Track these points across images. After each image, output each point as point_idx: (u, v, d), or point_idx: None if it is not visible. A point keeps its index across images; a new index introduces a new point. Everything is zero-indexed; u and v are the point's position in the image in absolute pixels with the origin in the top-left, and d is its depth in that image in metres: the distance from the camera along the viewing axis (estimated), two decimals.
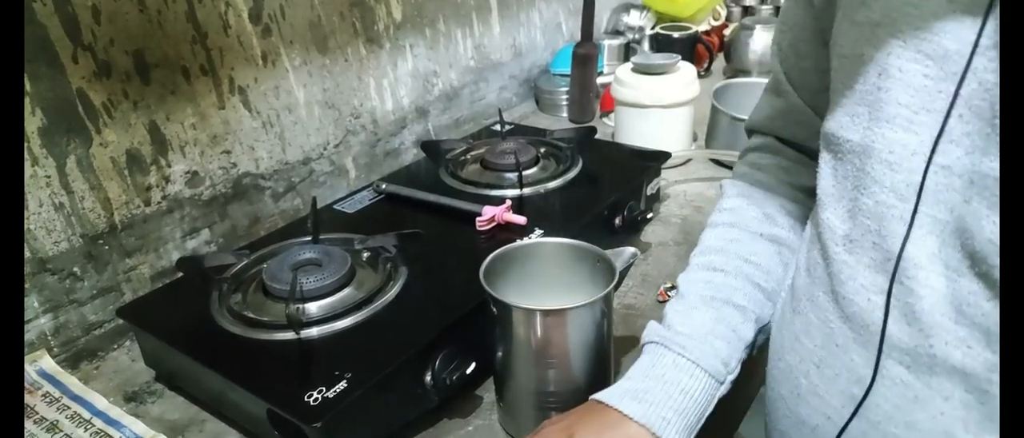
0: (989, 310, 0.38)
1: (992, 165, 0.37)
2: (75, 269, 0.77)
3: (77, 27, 0.72)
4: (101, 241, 0.79)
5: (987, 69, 0.37)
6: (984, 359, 0.39)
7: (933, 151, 0.39)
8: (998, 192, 0.36)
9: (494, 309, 0.59)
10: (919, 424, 0.42)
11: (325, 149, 1.03)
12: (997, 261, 0.37)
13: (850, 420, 0.45)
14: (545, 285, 0.65)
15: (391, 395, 0.61)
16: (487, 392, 0.68)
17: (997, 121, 0.36)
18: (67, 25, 0.72)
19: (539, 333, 0.58)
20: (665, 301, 0.81)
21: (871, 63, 0.42)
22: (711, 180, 1.09)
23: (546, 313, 0.57)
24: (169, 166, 0.84)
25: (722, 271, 0.58)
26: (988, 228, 0.37)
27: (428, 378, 0.63)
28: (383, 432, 0.62)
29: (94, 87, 0.75)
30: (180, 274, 0.77)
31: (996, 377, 0.38)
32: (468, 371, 0.64)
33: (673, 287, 0.83)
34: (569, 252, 0.64)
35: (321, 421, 0.55)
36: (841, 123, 0.45)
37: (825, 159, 0.48)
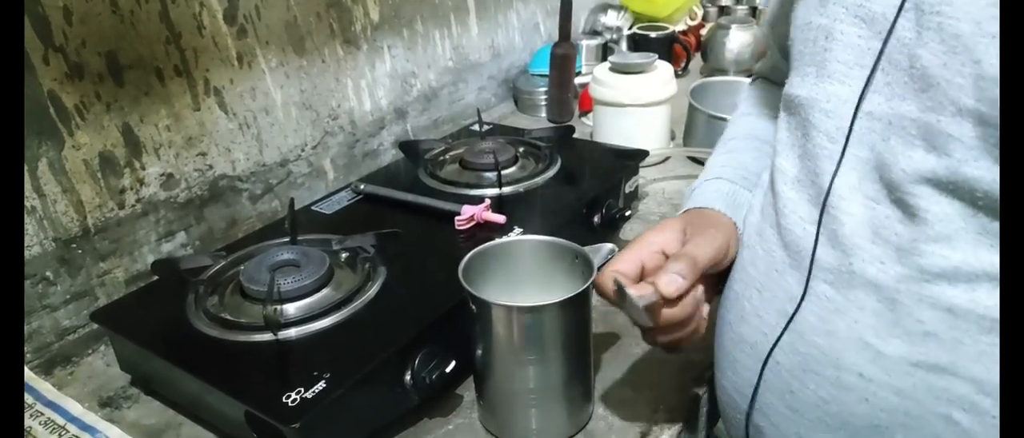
0: (901, 231, 0.44)
1: (908, 108, 0.43)
2: (48, 273, 0.76)
3: (48, 28, 0.71)
4: (74, 245, 0.78)
5: (906, 28, 0.43)
6: (895, 273, 0.45)
7: (860, 99, 0.46)
8: (913, 131, 0.43)
9: (473, 307, 0.59)
10: (837, 332, 0.47)
11: (303, 150, 1.02)
12: (910, 189, 0.43)
13: (782, 334, 0.51)
14: (524, 283, 0.65)
15: (371, 395, 0.61)
16: (467, 390, 0.68)
17: (914, 70, 0.43)
18: (38, 26, 0.71)
19: (518, 330, 0.58)
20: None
21: (820, 29, 0.49)
22: (689, 178, 1.10)
23: (525, 310, 0.57)
24: (143, 168, 0.83)
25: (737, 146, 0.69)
26: (903, 161, 0.43)
27: (408, 377, 0.63)
28: (363, 432, 0.62)
29: (66, 89, 0.74)
30: (155, 277, 0.76)
31: (904, 287, 0.44)
32: (448, 370, 0.64)
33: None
34: (548, 250, 0.64)
35: (300, 422, 0.54)
36: (794, 83, 0.52)
37: (782, 117, 0.55)
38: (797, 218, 0.51)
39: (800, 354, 0.50)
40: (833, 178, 0.48)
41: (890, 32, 0.44)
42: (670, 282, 0.51)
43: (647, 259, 0.55)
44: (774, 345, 0.51)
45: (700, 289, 0.56)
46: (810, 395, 0.49)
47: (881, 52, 0.45)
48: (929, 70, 0.42)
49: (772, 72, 0.73)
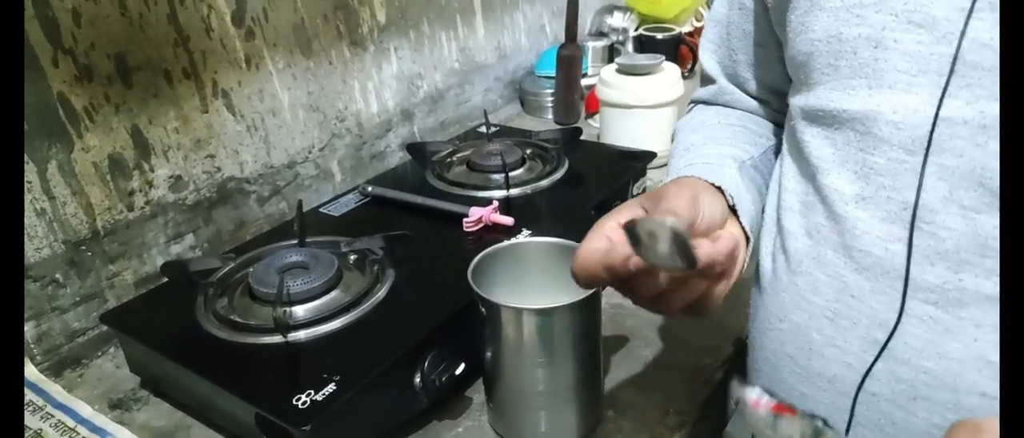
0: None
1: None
2: (57, 276, 0.76)
3: (57, 30, 0.72)
4: (84, 247, 0.78)
5: (981, 29, 0.41)
6: None
7: (939, 107, 0.44)
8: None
9: (483, 309, 0.59)
10: (952, 353, 0.45)
11: (310, 152, 1.02)
12: None
13: (874, 362, 0.48)
14: (533, 285, 0.65)
15: (380, 397, 0.61)
16: (477, 393, 0.68)
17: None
18: (47, 28, 0.71)
19: (528, 333, 0.58)
20: None
21: (862, 39, 0.47)
22: None
23: (535, 312, 0.57)
24: (152, 171, 0.83)
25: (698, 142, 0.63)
26: None
27: (417, 379, 0.63)
28: (372, 434, 0.62)
29: (75, 91, 0.74)
30: (164, 279, 0.77)
31: None
32: (457, 372, 0.64)
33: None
34: (557, 251, 0.64)
35: (310, 424, 0.54)
36: (830, 98, 0.49)
37: (813, 132, 0.52)
38: (875, 238, 0.47)
39: (903, 382, 0.47)
40: (919, 191, 0.45)
41: (962, 35, 0.42)
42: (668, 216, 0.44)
43: (613, 235, 0.47)
44: (865, 376, 0.49)
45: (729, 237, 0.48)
46: (920, 424, 0.47)
47: (956, 56, 0.43)
48: None
49: (716, 97, 0.70)
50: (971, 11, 0.42)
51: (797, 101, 0.53)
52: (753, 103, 0.67)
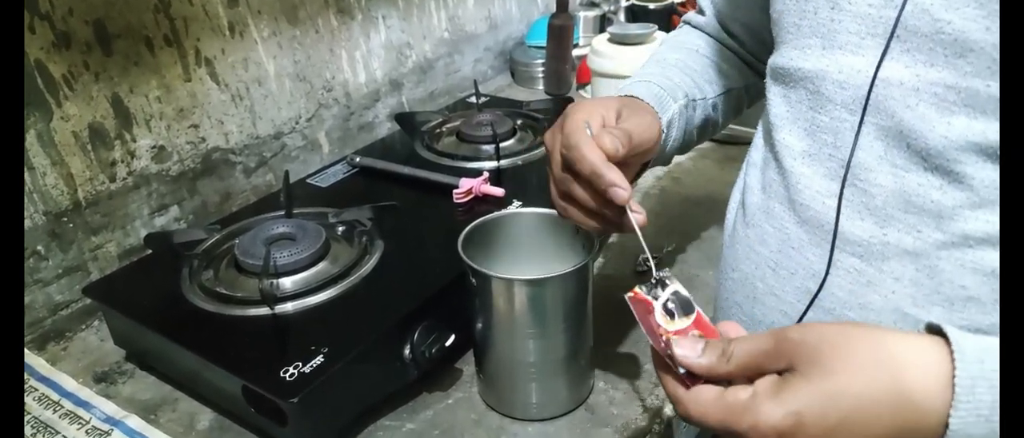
0: (938, 198, 0.44)
1: (940, 75, 0.42)
2: (39, 248, 0.75)
3: None
4: (65, 219, 0.76)
5: None
6: (934, 239, 0.45)
7: (878, 68, 0.45)
8: (951, 98, 0.42)
9: (473, 280, 0.58)
10: (872, 305, 0.47)
11: (297, 123, 1.01)
12: (954, 155, 0.43)
13: (805, 312, 0.50)
14: (524, 256, 0.64)
15: (369, 369, 0.60)
16: (467, 364, 0.68)
17: (942, 36, 0.42)
18: None
19: (518, 304, 0.57)
20: (643, 272, 0.81)
21: (821, 1, 0.48)
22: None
23: (525, 283, 0.56)
24: (134, 141, 0.81)
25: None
26: (941, 128, 0.43)
27: (407, 351, 0.62)
28: (361, 406, 0.61)
29: (53, 58, 0.72)
30: (149, 251, 0.75)
31: (944, 253, 0.44)
32: (447, 344, 0.63)
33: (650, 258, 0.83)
34: (547, 223, 0.63)
35: (298, 396, 0.54)
36: (791, 57, 0.51)
37: (775, 90, 0.54)
38: (815, 193, 0.50)
39: None
40: (853, 149, 0.47)
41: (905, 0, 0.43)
42: (612, 142, 0.51)
43: (592, 121, 0.54)
44: (797, 324, 0.50)
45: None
46: None
47: (897, 20, 0.44)
48: (966, 35, 0.41)
49: (703, 28, 0.71)
50: None
51: (770, 60, 0.55)
52: (733, 43, 0.69)
